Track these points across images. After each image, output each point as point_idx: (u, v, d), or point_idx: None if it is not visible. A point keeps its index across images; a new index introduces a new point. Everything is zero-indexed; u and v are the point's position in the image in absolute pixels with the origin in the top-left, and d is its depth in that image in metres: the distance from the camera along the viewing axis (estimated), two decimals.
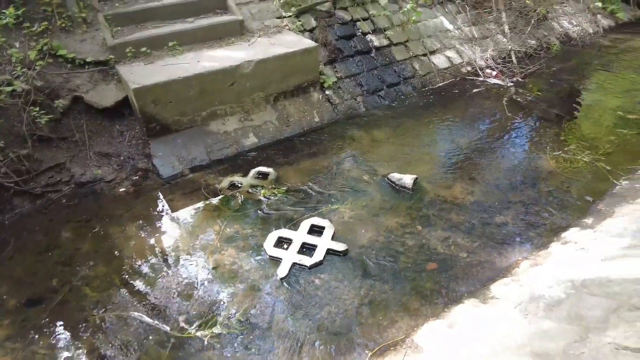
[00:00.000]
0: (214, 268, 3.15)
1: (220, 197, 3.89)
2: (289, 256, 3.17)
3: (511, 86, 5.88)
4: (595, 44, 7.54)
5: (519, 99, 5.58)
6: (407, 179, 3.93)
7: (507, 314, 2.53)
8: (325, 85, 5.22)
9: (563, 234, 3.35)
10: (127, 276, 3.13)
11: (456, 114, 5.29)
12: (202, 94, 4.41)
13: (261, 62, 4.63)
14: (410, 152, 4.55)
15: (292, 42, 5.05)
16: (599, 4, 8.14)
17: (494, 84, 5.98)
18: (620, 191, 3.79)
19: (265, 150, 4.58)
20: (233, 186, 4.02)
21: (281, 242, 3.35)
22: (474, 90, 5.85)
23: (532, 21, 7.04)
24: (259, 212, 3.70)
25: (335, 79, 5.35)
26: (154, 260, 3.26)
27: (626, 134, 4.75)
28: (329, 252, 3.24)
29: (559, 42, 7.34)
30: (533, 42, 7.04)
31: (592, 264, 2.75)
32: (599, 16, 8.28)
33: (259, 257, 3.24)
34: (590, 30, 7.89)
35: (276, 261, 3.19)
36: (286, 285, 3.01)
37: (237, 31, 5.26)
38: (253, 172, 4.18)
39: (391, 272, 3.12)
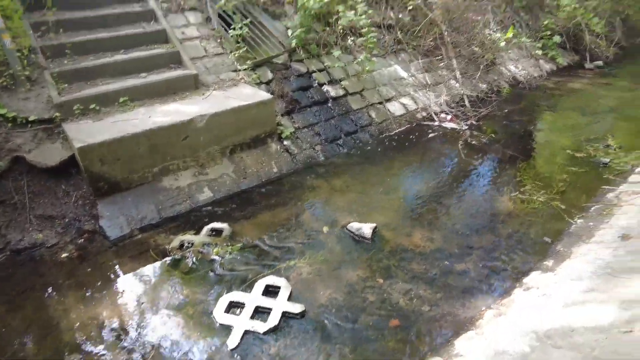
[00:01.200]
0: (158, 344, 2.87)
1: (170, 258, 3.66)
2: (241, 323, 2.94)
3: (466, 129, 6.03)
4: (541, 87, 7.96)
5: (474, 142, 5.70)
6: (366, 229, 3.83)
7: None
8: (283, 135, 5.18)
9: (525, 279, 3.29)
10: (60, 356, 2.80)
11: (414, 159, 5.33)
12: (153, 150, 4.26)
13: (215, 116, 4.56)
14: (370, 199, 4.49)
15: (247, 94, 5.04)
16: (539, 52, 8.69)
17: (450, 127, 6.13)
18: (576, 230, 3.80)
19: (221, 204, 4.41)
20: (184, 245, 3.80)
21: (233, 307, 3.12)
22: (430, 135, 5.96)
23: (482, 67, 7.38)
24: (211, 273, 3.48)
25: (293, 129, 5.33)
26: (94, 335, 2.95)
27: (576, 172, 4.87)
28: (285, 314, 3.04)
29: (508, 85, 7.70)
30: (484, 86, 7.36)
31: (555, 311, 2.67)
32: (541, 61, 8.81)
33: (209, 326, 2.99)
34: (535, 74, 8.36)
35: (228, 329, 2.94)
36: (237, 357, 2.76)
37: (191, 85, 5.22)
38: (206, 229, 3.98)
39: (352, 332, 2.93)
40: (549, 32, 9.09)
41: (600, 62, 9.31)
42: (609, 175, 4.80)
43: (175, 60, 5.43)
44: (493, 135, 5.91)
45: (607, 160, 5.08)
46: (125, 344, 2.87)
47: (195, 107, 4.71)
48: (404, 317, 3.06)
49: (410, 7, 7.28)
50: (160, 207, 4.27)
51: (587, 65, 9.20)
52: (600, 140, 5.63)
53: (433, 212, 4.27)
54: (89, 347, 2.86)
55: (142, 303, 3.20)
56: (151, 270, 3.54)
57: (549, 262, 3.42)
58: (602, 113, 6.70)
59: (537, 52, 8.53)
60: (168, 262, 3.61)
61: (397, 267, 3.53)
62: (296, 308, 3.04)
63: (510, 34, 7.53)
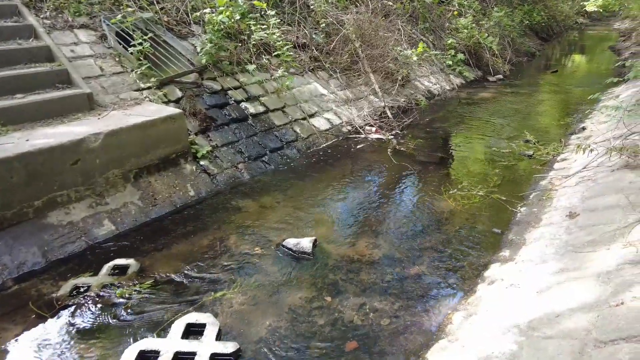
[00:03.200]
0: None
1: (58, 309, 2.79)
2: None
3: (392, 138, 5.88)
4: (455, 98, 8.27)
5: (402, 149, 5.54)
6: (305, 243, 3.31)
7: None
8: (199, 155, 4.56)
9: (486, 273, 2.97)
10: None
11: (345, 170, 4.98)
12: (33, 178, 3.41)
13: (113, 134, 3.84)
14: (305, 214, 3.99)
15: (152, 111, 4.38)
16: (450, 62, 9.15)
17: (376, 138, 5.94)
18: (522, 217, 3.64)
19: (126, 238, 3.62)
20: (78, 291, 2.96)
21: (146, 358, 2.37)
22: (358, 147, 5.71)
23: (398, 81, 7.46)
24: (114, 320, 2.69)
25: (210, 148, 4.73)
26: None
27: (506, 165, 4.86)
28: (215, 358, 2.35)
29: (425, 98, 7.85)
30: (402, 99, 7.40)
31: (530, 299, 2.33)
32: (451, 76, 9.25)
33: None
34: (448, 87, 8.71)
35: None
36: None
37: (84, 106, 4.43)
38: (107, 267, 3.18)
39: None
40: (453, 51, 9.65)
41: (500, 76, 10.06)
42: (535, 165, 4.84)
43: (63, 79, 4.62)
44: (420, 140, 5.81)
45: (531, 152, 5.18)
46: None
47: (88, 127, 3.94)
48: (361, 336, 2.53)
49: (323, 24, 7.21)
50: (45, 248, 3.37)
51: (491, 78, 9.87)
52: (519, 137, 5.79)
53: (374, 219, 3.88)
54: None
55: None
56: (31, 329, 2.65)
57: (506, 252, 3.16)
58: (514, 115, 7.03)
59: (447, 62, 8.95)
60: (55, 315, 2.75)
61: (346, 280, 3.03)
62: (228, 347, 2.38)
63: (420, 49, 7.76)
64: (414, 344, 2.46)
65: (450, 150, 5.53)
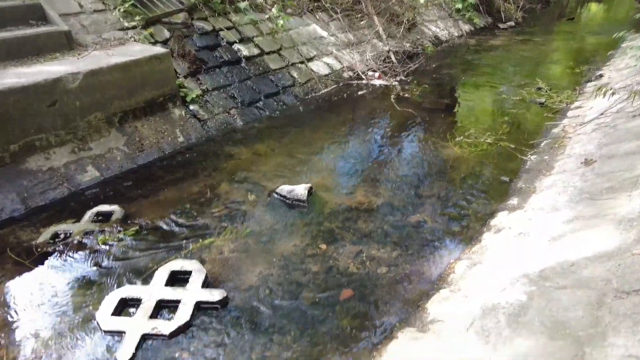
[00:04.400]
0: None
1: (38, 255, 2.64)
2: (137, 325, 2.07)
3: (396, 84, 5.54)
4: (463, 44, 7.79)
5: (406, 95, 5.21)
6: (300, 190, 3.11)
7: (459, 341, 1.75)
8: (188, 99, 4.27)
9: (492, 222, 2.77)
10: None
11: (346, 118, 4.70)
12: (5, 120, 3.16)
13: (93, 75, 3.54)
14: (301, 162, 3.77)
15: (137, 51, 4.05)
16: (459, 6, 8.58)
17: (379, 85, 5.60)
18: (532, 165, 3.40)
19: (111, 184, 3.42)
20: (58, 238, 2.79)
21: (127, 306, 2.23)
22: (360, 93, 5.38)
23: (404, 26, 6.98)
24: (95, 268, 2.53)
25: (200, 92, 4.43)
26: None
27: (516, 113, 4.57)
28: (200, 306, 2.21)
29: (432, 44, 7.40)
30: (408, 44, 6.96)
31: (541, 248, 2.14)
32: (460, 22, 8.69)
33: (93, 337, 2.07)
34: (456, 33, 8.20)
35: (119, 336, 2.05)
36: None
37: (63, 45, 4.09)
38: (89, 213, 3.00)
39: (293, 315, 2.19)
40: None
41: (512, 23, 9.47)
42: (547, 113, 4.54)
43: (37, 15, 4.24)
44: (426, 86, 5.47)
45: (543, 100, 4.86)
46: None
47: (66, 66, 3.63)
48: (357, 285, 2.38)
49: None
50: (25, 195, 3.18)
51: (502, 25, 9.30)
52: (531, 85, 5.44)
53: (374, 167, 3.66)
54: None
55: None
56: (8, 277, 2.50)
57: (514, 201, 2.95)
58: (525, 63, 6.62)
59: (457, 6, 8.38)
60: (34, 261, 2.59)
61: (342, 228, 2.85)
62: (214, 295, 2.23)
63: None
64: (413, 293, 2.31)
65: (457, 98, 5.21)
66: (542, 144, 3.77)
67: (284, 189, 3.16)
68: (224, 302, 2.23)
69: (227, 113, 4.49)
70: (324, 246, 2.69)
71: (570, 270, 1.83)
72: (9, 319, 2.18)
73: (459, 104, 4.96)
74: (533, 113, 4.63)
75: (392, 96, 5.15)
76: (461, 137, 4.01)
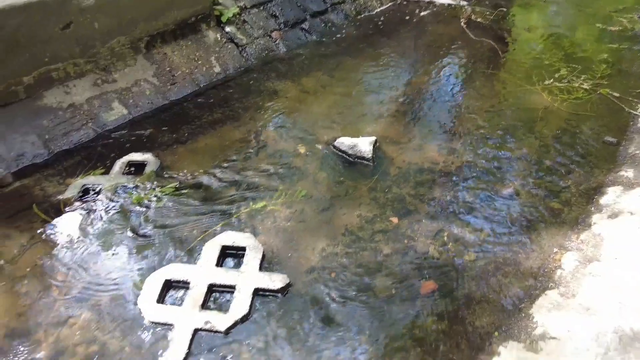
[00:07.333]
0: None
1: (66, 214, 2.31)
2: (187, 318, 1.76)
3: (465, 5, 4.65)
4: None
5: (479, 19, 4.38)
6: (364, 145, 2.61)
7: None
8: (224, 19, 3.61)
9: (602, 200, 2.27)
10: None
11: (407, 46, 3.99)
12: (14, 46, 2.65)
13: None
14: (357, 103, 3.21)
15: None
16: None
17: (445, 4, 4.72)
18: None
19: (141, 125, 2.98)
20: (87, 193, 2.44)
21: (172, 289, 1.92)
22: (422, 14, 4.56)
23: None
24: (130, 234, 2.19)
25: (238, 10, 3.74)
26: None
27: (617, 49, 3.77)
28: (259, 293, 1.88)
29: None
30: None
31: None
32: None
33: (133, 328, 1.79)
34: None
35: (166, 329, 1.76)
36: None
37: None
38: (119, 163, 2.61)
39: (365, 310, 1.85)
40: None
41: None
42: None
43: None
44: (503, 9, 4.57)
45: None
46: None
47: None
48: (439, 274, 1.99)
49: None
50: (46, 137, 2.78)
51: None
52: (631, 10, 4.48)
53: (448, 113, 3.09)
54: None
55: (21, 299, 1.92)
56: (36, 238, 2.20)
57: (628, 173, 2.40)
58: None
59: None
60: (63, 222, 2.27)
61: (415, 196, 2.40)
62: (275, 282, 1.88)
63: None
64: (511, 291, 1.91)
65: (541, 25, 4.34)
66: None
67: (345, 142, 2.66)
68: (285, 290, 1.89)
69: (269, 36, 3.83)
70: (395, 219, 2.27)
71: None
72: (38, 306, 1.91)
73: (544, 34, 4.12)
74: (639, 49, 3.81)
75: (462, 20, 4.33)
76: (550, 80, 3.33)
